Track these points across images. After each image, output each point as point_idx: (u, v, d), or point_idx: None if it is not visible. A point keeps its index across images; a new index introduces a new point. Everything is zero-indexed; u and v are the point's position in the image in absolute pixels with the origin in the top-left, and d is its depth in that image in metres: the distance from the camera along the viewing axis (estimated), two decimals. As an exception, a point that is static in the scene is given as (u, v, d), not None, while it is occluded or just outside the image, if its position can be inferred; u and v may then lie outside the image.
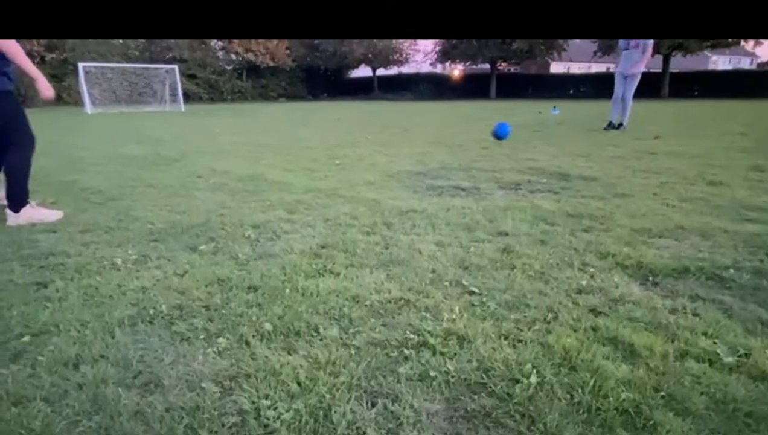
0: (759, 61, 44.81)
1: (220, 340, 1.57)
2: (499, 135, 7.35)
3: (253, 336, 1.59)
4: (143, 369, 1.43)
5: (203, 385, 1.34)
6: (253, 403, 1.25)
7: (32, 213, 3.10)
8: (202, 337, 1.60)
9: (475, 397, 1.29)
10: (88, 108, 19.21)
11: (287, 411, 1.22)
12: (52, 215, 3.17)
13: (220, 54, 33.56)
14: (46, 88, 3.08)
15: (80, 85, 20.22)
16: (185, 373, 1.40)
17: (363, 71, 40.00)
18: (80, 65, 20.06)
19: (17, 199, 3.06)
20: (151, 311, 1.78)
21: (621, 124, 8.60)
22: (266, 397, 1.28)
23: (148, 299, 1.89)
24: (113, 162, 5.69)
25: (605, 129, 8.74)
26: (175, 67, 23.02)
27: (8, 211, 3.06)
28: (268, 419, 1.19)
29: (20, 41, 3.18)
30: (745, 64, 40.24)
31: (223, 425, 1.18)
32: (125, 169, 5.10)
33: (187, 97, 23.96)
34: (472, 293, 1.93)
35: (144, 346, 1.55)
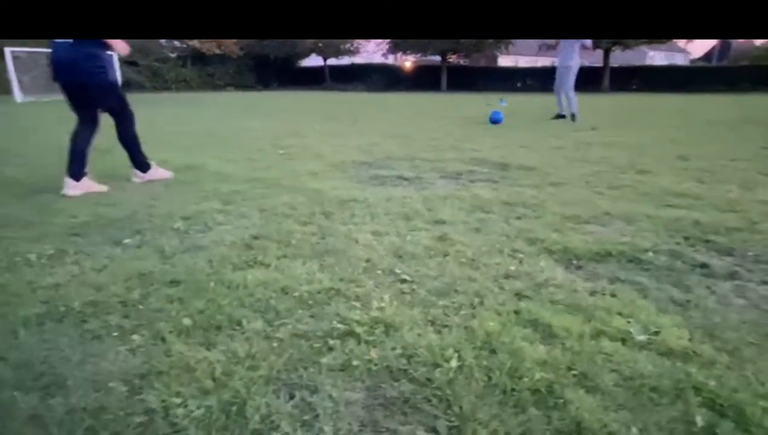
0: (691, 57, 47.58)
1: (135, 337, 1.49)
2: (493, 120, 8.45)
3: (170, 332, 1.51)
4: (46, 370, 1.33)
5: (110, 384, 1.26)
6: (163, 401, 1.19)
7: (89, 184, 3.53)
8: (115, 334, 1.51)
9: (396, 383, 1.29)
10: (18, 96, 17.90)
11: (198, 408, 1.17)
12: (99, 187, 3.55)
13: (162, 41, 32.02)
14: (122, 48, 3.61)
15: (8, 71, 18.79)
16: (92, 372, 1.32)
17: (314, 60, 39.33)
18: (7, 50, 18.62)
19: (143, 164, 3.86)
20: (62, 309, 1.67)
21: (573, 115, 8.84)
22: (177, 394, 1.22)
23: (60, 296, 1.77)
24: (40, 153, 5.33)
25: (552, 119, 9.07)
26: (114, 54, 21.79)
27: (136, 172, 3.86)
28: (176, 417, 1.14)
29: None
30: (680, 60, 42.51)
31: (128, 426, 1.12)
32: (52, 161, 4.77)
33: (128, 85, 22.71)
34: (403, 281, 1.93)
35: (50, 346, 1.45)
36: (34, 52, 21.32)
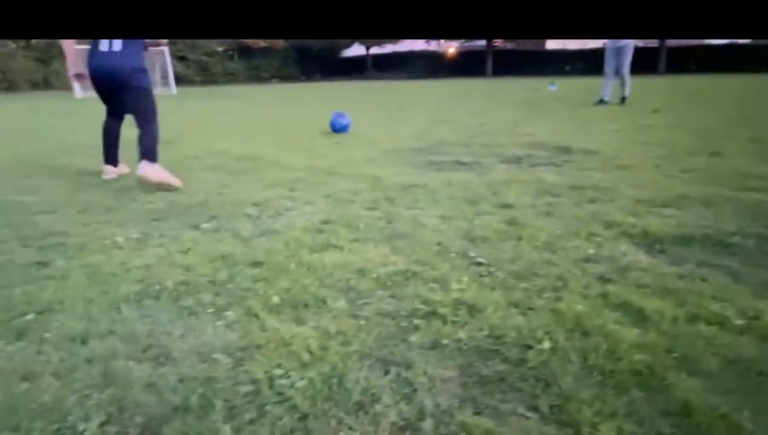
0: (755, 34, 44.57)
1: (228, 313, 1.56)
2: (336, 128, 6.12)
3: (261, 309, 1.57)
4: (153, 343, 1.42)
5: (215, 356, 1.33)
6: (266, 372, 1.24)
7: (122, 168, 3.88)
8: (210, 311, 1.59)
9: (489, 363, 1.29)
10: (78, 92, 18.88)
11: (301, 379, 1.21)
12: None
13: (210, 35, 32.87)
14: None
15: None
16: (195, 345, 1.39)
17: (356, 50, 39.45)
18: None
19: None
20: (157, 287, 1.76)
21: (623, 99, 8.52)
22: (279, 366, 1.27)
23: (152, 276, 1.87)
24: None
25: (595, 104, 8.66)
26: (165, 49, 22.58)
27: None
28: (282, 387, 1.19)
29: None
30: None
31: (237, 394, 1.17)
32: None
33: (178, 79, 23.51)
34: (479, 264, 1.92)
35: (152, 321, 1.54)
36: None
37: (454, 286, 1.72)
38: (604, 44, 8.95)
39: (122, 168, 3.96)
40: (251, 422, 1.08)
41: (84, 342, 1.41)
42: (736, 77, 18.87)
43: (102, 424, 1.10)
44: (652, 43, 26.77)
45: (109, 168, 3.86)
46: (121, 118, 3.89)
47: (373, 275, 1.83)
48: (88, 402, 1.17)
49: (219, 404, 1.14)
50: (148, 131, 3.46)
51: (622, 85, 8.55)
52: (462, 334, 1.41)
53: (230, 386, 1.20)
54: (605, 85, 8.67)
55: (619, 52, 8.32)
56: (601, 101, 8.70)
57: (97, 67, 3.50)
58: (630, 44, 8.25)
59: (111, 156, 3.88)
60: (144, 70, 3.57)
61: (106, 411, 1.13)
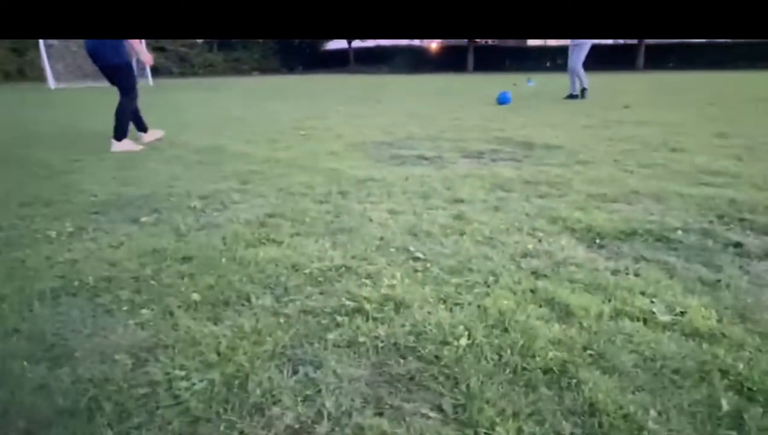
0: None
1: (144, 311, 1.49)
2: (501, 101, 8.34)
3: (179, 307, 1.51)
4: (57, 342, 1.35)
5: (116, 356, 1.26)
6: (167, 374, 1.19)
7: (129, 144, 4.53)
8: (125, 308, 1.52)
9: (402, 361, 1.25)
10: (51, 83, 18.40)
11: (201, 381, 1.16)
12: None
13: (190, 26, 32.25)
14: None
15: (42, 59, 19.29)
16: (100, 345, 1.32)
17: (339, 43, 39.13)
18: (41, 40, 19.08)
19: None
20: (77, 283, 1.69)
21: (584, 90, 8.86)
22: (181, 367, 1.21)
23: (75, 272, 1.79)
24: (69, 137, 5.45)
25: (565, 98, 8.98)
26: (142, 40, 22.05)
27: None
28: (179, 390, 1.13)
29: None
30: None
31: (131, 397, 1.12)
32: (79, 144, 4.88)
33: (156, 71, 23.00)
34: (417, 259, 1.88)
35: (63, 319, 1.47)
36: (67, 40, 21.80)
37: (386, 281, 1.68)
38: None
39: (127, 145, 4.54)
40: (138, 427, 1.03)
41: (-18, 341, 1.34)
42: (714, 74, 19.16)
43: (-21, 429, 1.03)
44: (632, 40, 27.06)
45: (114, 142, 4.51)
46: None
47: (306, 271, 1.78)
48: (-29, 405, 1.10)
49: (108, 407, 1.08)
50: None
51: (580, 79, 8.88)
52: (381, 331, 1.37)
53: (126, 388, 1.14)
54: (572, 81, 9.06)
55: (577, 49, 8.61)
56: (570, 96, 9.04)
57: None
58: (583, 42, 8.53)
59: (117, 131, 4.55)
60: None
61: (-14, 415, 1.06)
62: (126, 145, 4.48)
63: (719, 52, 26.89)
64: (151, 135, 4.94)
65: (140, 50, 4.63)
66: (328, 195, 2.81)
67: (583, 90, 8.87)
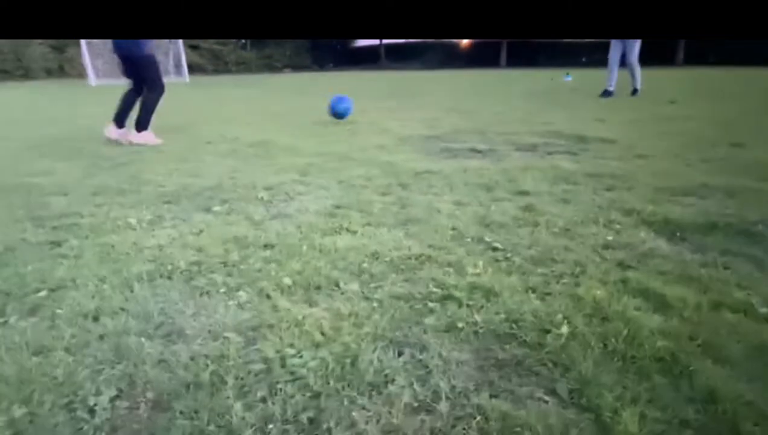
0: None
1: (240, 293, 1.54)
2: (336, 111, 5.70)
3: (273, 290, 1.55)
4: (165, 320, 1.40)
5: (226, 334, 1.31)
6: (278, 351, 1.23)
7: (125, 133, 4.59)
8: (222, 290, 1.57)
9: (506, 347, 1.26)
10: (92, 80, 19.02)
11: (313, 359, 1.19)
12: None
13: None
14: None
15: (83, 56, 19.96)
16: (207, 324, 1.37)
17: (369, 40, 39.20)
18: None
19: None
20: (169, 267, 1.75)
21: (635, 90, 8.20)
22: (291, 346, 1.25)
23: (165, 256, 1.86)
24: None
25: (600, 96, 8.19)
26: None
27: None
28: (294, 367, 1.17)
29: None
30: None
31: (249, 372, 1.16)
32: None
33: (191, 68, 23.52)
34: (495, 249, 1.88)
35: (164, 300, 1.53)
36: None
37: (470, 270, 1.68)
38: None
39: (123, 133, 4.63)
40: (263, 400, 1.07)
41: (96, 319, 1.41)
42: (756, 70, 18.41)
43: (113, 399, 1.09)
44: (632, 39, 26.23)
45: (112, 127, 4.67)
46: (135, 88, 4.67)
47: (387, 259, 1.80)
48: (100, 377, 1.16)
49: (230, 381, 1.12)
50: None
51: (632, 75, 8.13)
52: (478, 317, 1.38)
53: (242, 364, 1.19)
54: (610, 76, 8.23)
55: (627, 43, 7.89)
56: (606, 92, 8.24)
57: None
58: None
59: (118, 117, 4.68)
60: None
61: (116, 386, 1.12)
62: (146, 136, 4.54)
63: (759, 46, 25.73)
64: (139, 136, 4.57)
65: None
66: (389, 187, 2.83)
67: (635, 90, 8.16)
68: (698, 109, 6.34)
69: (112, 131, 4.64)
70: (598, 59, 26.63)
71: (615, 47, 8.14)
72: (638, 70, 8.11)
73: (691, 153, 3.58)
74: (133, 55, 4.41)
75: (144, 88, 4.57)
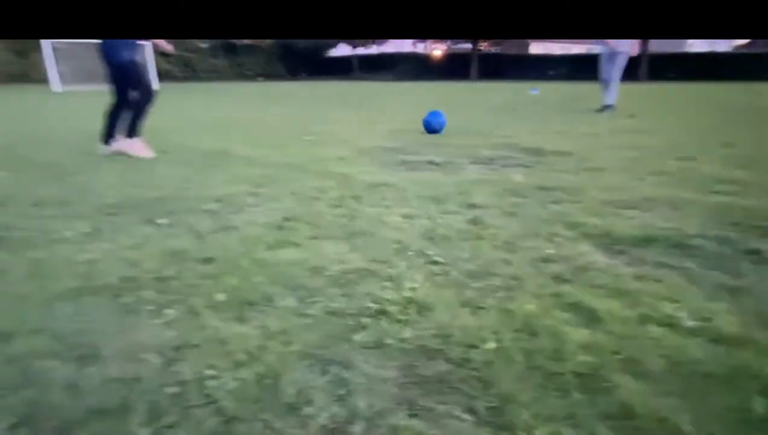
0: (735, 43, 45.31)
1: (169, 311, 1.49)
2: (431, 127, 5.72)
3: (204, 307, 1.51)
4: (83, 341, 1.34)
5: (145, 356, 1.26)
6: (196, 373, 1.18)
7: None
8: (150, 308, 1.52)
9: (431, 363, 1.25)
10: (56, 86, 18.46)
11: (232, 380, 1.15)
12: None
13: (194, 31, 32.40)
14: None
15: (45, 61, 19.35)
16: (127, 344, 1.32)
17: (342, 50, 39.34)
18: (43, 41, 19.14)
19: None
20: (98, 283, 1.69)
21: (608, 106, 8.05)
22: (211, 366, 1.21)
23: (95, 272, 1.79)
24: (75, 138, 5.46)
25: (597, 111, 8.12)
26: (147, 43, 22.14)
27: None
28: (210, 389, 1.13)
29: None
30: (722, 46, 40.54)
31: (162, 396, 1.11)
32: (86, 146, 4.89)
33: (160, 75, 23.13)
34: (436, 263, 1.88)
35: (86, 319, 1.46)
36: (71, 42, 21.84)
37: (407, 284, 1.67)
38: (589, 49, 8.73)
39: (118, 146, 4.42)
40: (171, 426, 1.02)
41: (7, 340, 1.33)
42: (715, 85, 19.24)
43: (12, 427, 1.03)
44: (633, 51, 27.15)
45: (101, 145, 4.46)
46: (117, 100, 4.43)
47: (327, 273, 1.78)
48: (2, 403, 1.09)
49: (140, 406, 1.07)
50: None
51: (608, 90, 8.06)
52: (407, 333, 1.37)
53: (156, 387, 1.14)
54: (608, 90, 8.12)
55: (611, 58, 7.86)
56: (605, 107, 8.13)
57: None
58: (624, 51, 7.78)
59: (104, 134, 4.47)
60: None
61: (17, 413, 1.06)
62: (134, 145, 4.32)
63: (723, 62, 26.99)
64: (127, 144, 4.41)
65: (158, 42, 4.74)
66: (341, 199, 2.81)
67: (609, 106, 8.04)
68: (655, 123, 6.55)
69: (104, 149, 4.38)
70: (564, 73, 27.52)
71: (605, 66, 7.99)
72: (616, 87, 8.05)
73: (641, 166, 3.68)
74: (113, 61, 4.18)
75: (128, 96, 4.29)
